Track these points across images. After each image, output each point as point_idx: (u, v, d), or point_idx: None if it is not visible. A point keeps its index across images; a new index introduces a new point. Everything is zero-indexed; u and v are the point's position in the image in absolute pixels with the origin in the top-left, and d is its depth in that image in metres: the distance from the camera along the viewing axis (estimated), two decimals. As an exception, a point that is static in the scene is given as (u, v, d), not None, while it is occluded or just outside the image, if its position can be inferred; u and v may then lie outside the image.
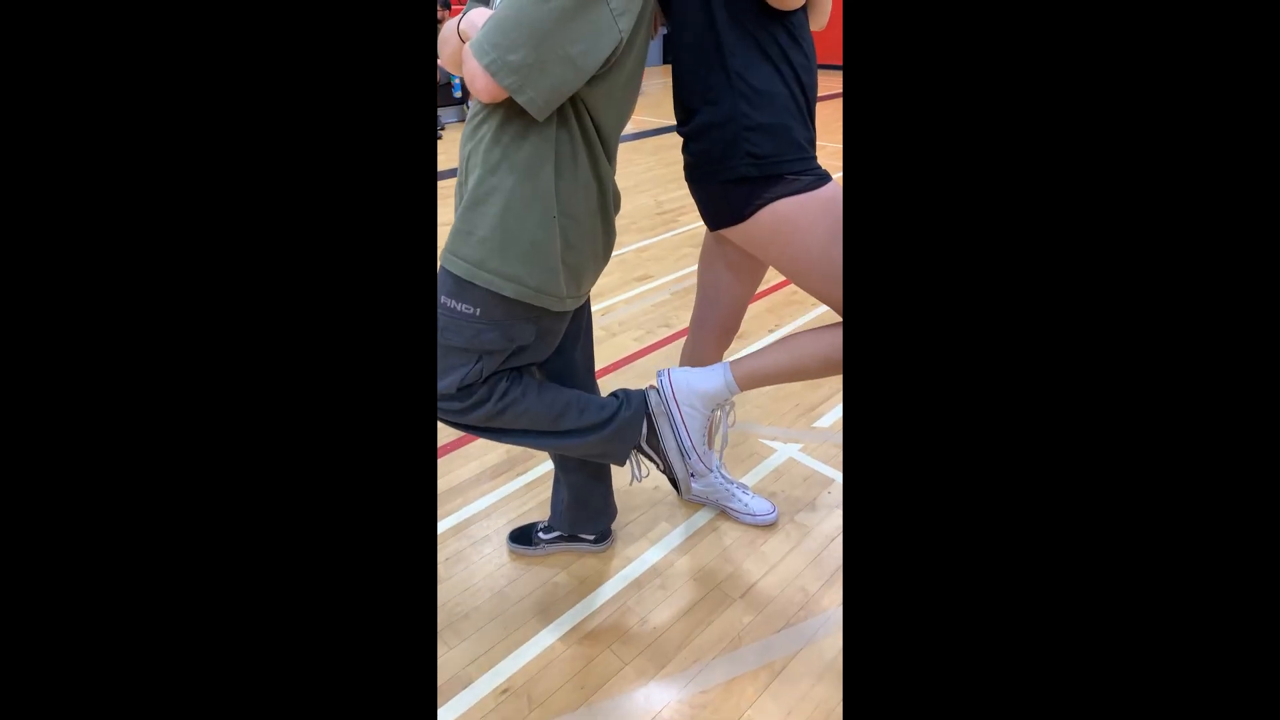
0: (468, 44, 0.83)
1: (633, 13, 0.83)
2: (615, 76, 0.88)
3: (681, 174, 1.07)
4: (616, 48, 0.83)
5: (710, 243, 1.21)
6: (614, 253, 2.79)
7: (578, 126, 0.89)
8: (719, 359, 1.32)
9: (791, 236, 0.97)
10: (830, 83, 6.77)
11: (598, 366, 2.09)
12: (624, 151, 4.59)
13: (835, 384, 1.97)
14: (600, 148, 0.92)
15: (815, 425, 1.81)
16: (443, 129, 5.52)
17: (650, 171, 4.19)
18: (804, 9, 0.96)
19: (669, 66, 1.01)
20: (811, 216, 0.95)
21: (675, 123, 1.05)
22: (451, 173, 4.10)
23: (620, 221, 3.29)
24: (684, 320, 2.35)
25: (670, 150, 4.58)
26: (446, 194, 3.63)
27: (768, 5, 0.90)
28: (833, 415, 1.85)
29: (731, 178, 0.96)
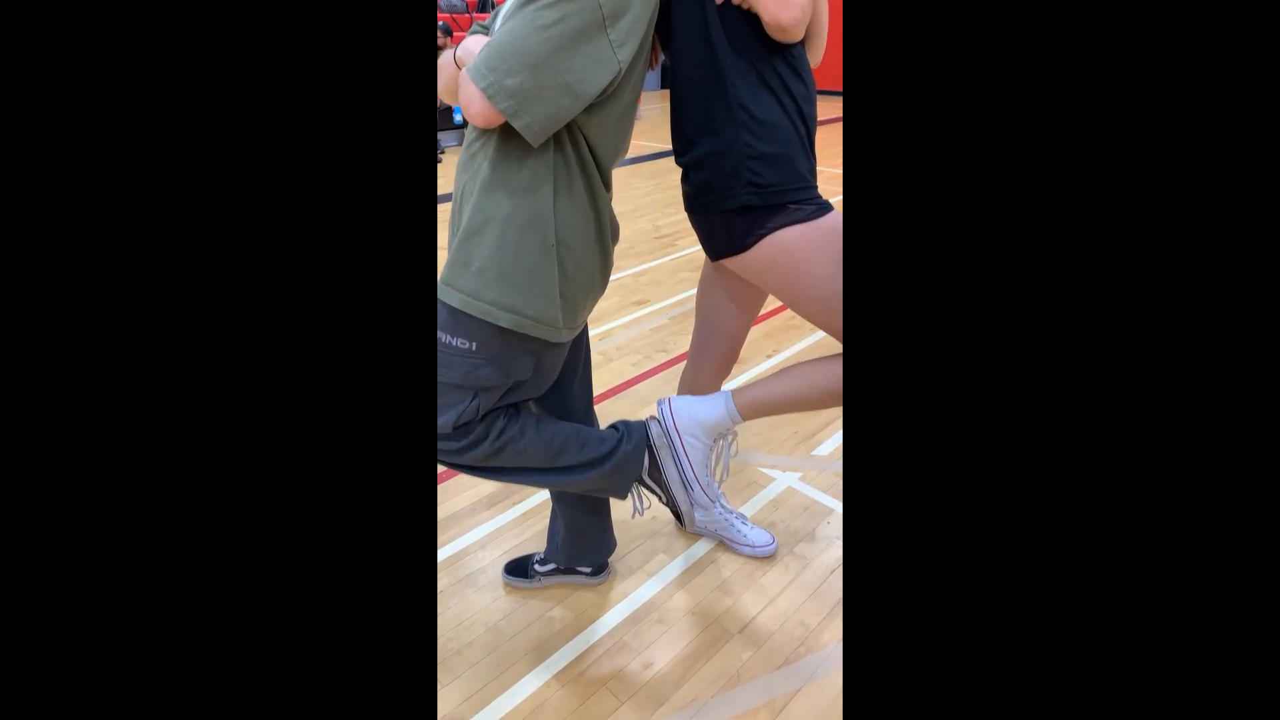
0: (465, 69, 0.83)
1: (632, 44, 0.83)
2: (613, 106, 0.88)
3: (680, 198, 1.07)
4: (615, 77, 0.83)
5: (709, 272, 1.21)
6: (612, 277, 2.80)
7: (574, 154, 0.89)
8: (718, 388, 1.31)
9: (794, 266, 0.97)
10: (828, 108, 6.86)
11: (595, 393, 2.08)
12: (622, 176, 4.62)
13: (834, 411, 1.96)
14: (597, 176, 0.92)
15: (814, 453, 1.79)
16: (443, 153, 5.57)
17: (649, 196, 4.21)
18: (803, 41, 0.97)
19: (668, 91, 1.02)
20: (814, 246, 0.95)
21: (673, 153, 1.04)
22: (450, 198, 4.11)
23: (618, 246, 3.29)
24: (682, 345, 2.35)
25: (668, 175, 4.62)
26: (446, 219, 3.64)
27: (769, 38, 0.91)
28: (832, 443, 1.83)
29: (733, 207, 0.95)
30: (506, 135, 0.86)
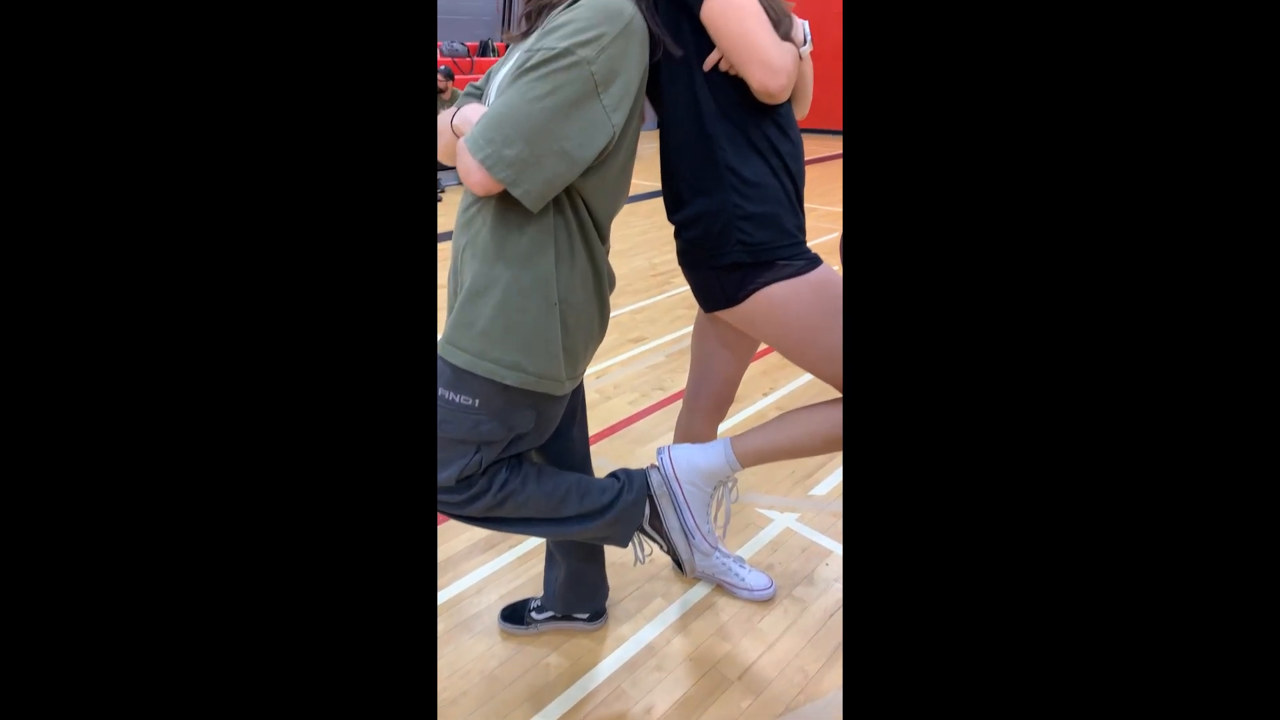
0: (462, 139, 0.85)
1: (625, 107, 0.85)
2: (609, 167, 0.90)
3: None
4: (610, 140, 0.85)
5: (703, 319, 1.22)
6: (609, 315, 2.81)
7: (573, 216, 0.91)
8: (714, 432, 1.31)
9: (785, 318, 0.99)
10: (823, 146, 6.98)
11: (592, 431, 2.08)
12: (619, 215, 4.68)
13: (831, 449, 1.96)
14: (595, 235, 0.94)
15: (812, 493, 1.79)
16: (443, 191, 5.65)
17: (645, 234, 4.27)
18: (789, 99, 0.99)
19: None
20: (804, 299, 0.97)
21: (665, 209, 1.07)
22: (444, 236, 4.16)
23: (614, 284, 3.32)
24: (679, 383, 2.36)
25: (663, 214, 4.67)
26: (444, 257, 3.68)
27: (754, 99, 0.93)
28: (829, 482, 1.83)
29: (724, 264, 0.98)
30: (505, 201, 0.87)
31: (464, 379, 0.92)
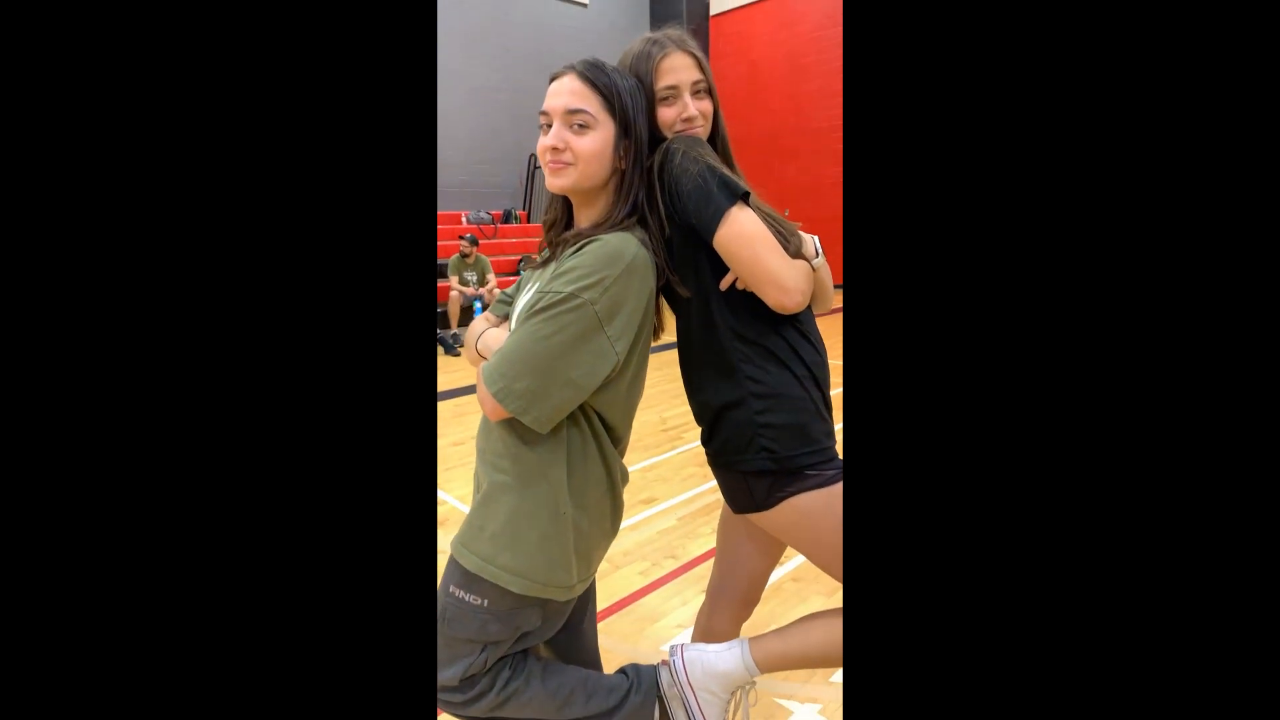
0: (480, 368, 0.92)
1: (629, 335, 0.91)
2: (618, 383, 0.94)
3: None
4: (615, 366, 0.90)
5: (728, 511, 1.19)
6: (620, 474, 2.76)
7: (587, 426, 0.94)
8: (736, 631, 1.23)
9: (815, 528, 0.97)
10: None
11: (599, 607, 1.99)
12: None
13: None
14: (608, 439, 0.97)
15: (833, 680, 1.66)
16: (460, 345, 5.87)
17: (656, 387, 4.32)
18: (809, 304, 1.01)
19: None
20: (834, 511, 0.95)
21: (692, 413, 1.07)
22: (453, 393, 4.29)
23: (626, 442, 3.31)
24: (692, 550, 2.28)
25: (675, 366, 4.77)
26: (450, 414, 3.76)
27: (771, 310, 0.95)
28: (852, 666, 1.70)
29: (751, 469, 0.97)
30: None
31: (473, 580, 0.93)
